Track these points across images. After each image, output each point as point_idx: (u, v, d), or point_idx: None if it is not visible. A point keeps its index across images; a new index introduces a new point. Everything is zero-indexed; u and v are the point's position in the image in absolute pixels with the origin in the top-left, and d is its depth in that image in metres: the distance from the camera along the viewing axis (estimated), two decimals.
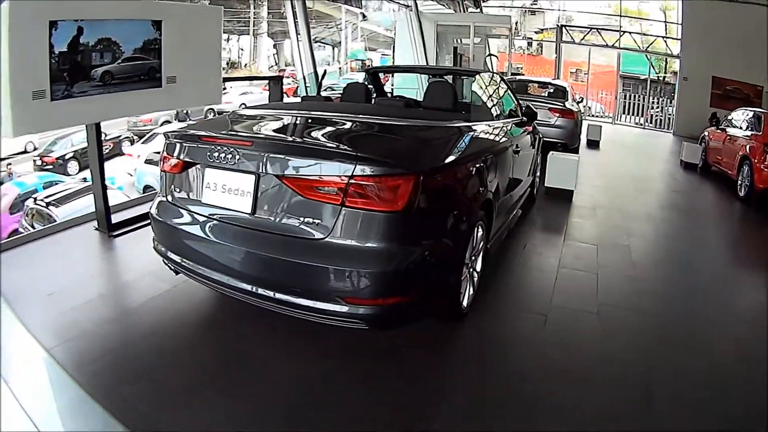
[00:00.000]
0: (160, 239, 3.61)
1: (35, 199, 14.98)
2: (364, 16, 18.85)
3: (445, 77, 6.82)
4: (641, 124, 23.11)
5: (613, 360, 3.63)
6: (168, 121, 21.74)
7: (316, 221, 2.89)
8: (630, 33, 23.34)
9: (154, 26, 5.06)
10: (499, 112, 5.17)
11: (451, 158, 3.40)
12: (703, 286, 5.30)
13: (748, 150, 9.88)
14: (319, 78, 6.80)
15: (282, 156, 3.00)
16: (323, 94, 6.64)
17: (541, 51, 32.91)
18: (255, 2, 34.49)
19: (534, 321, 4.06)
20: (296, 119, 3.85)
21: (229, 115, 4.11)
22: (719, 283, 5.48)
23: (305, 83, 9.37)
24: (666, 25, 23.32)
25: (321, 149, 3.04)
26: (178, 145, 3.44)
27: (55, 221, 11.14)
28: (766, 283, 5.49)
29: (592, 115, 22.19)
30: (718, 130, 11.88)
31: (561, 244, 6.03)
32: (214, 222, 3.23)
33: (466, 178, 3.59)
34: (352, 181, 2.80)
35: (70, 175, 19.75)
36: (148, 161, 16.37)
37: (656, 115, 23.34)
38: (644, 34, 23.20)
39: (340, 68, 33.99)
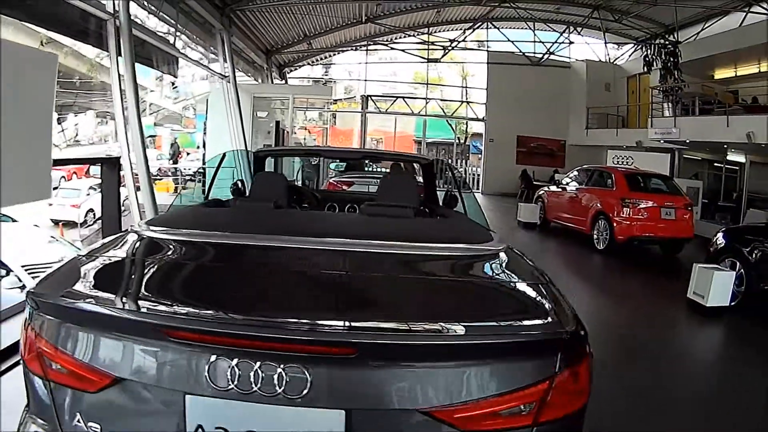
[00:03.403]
0: None
1: None
2: (173, 85, 16.85)
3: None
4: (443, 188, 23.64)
5: None
6: None
7: None
8: (436, 100, 24.07)
9: None
10: None
11: None
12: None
13: (601, 206, 10.17)
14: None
15: (427, 365, 1.52)
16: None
17: (335, 122, 32.97)
18: None
19: None
20: (320, 261, 2.21)
21: (144, 246, 2.27)
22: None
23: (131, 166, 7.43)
24: (466, 91, 24.52)
25: (511, 341, 1.59)
26: (85, 335, 1.62)
27: None
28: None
29: None
30: (558, 189, 12.26)
31: None
32: None
33: None
34: (558, 380, 1.56)
35: None
36: None
37: (460, 177, 24.27)
38: (445, 100, 24.11)
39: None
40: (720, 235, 7.77)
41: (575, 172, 12.14)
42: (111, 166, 5.60)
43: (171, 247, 2.25)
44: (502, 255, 2.28)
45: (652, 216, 9.75)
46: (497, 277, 2.21)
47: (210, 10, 11.83)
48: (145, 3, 9.56)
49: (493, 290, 2.08)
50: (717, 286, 6.49)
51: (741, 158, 17.27)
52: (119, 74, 7.47)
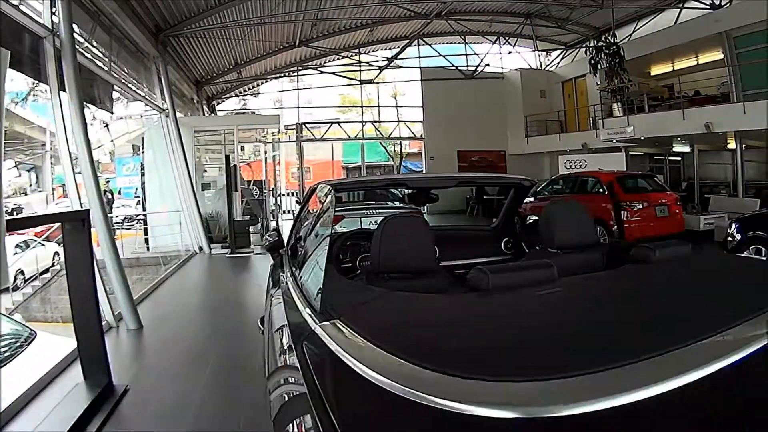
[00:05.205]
0: None
1: None
2: (106, 124, 15.13)
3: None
4: None
5: None
6: None
7: None
8: (373, 123, 23.18)
9: None
10: None
11: None
12: None
13: (595, 213, 9.80)
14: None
15: None
16: None
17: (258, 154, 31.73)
18: None
19: None
20: None
21: None
22: None
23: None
24: (397, 110, 23.84)
25: None
26: None
27: None
28: None
29: None
30: (537, 201, 11.74)
31: None
32: None
33: None
34: None
35: None
36: None
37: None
38: (381, 121, 23.28)
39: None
40: (734, 226, 7.89)
41: (551, 184, 11.77)
42: (77, 222, 4.02)
43: None
44: None
45: (649, 216, 9.58)
46: None
47: (147, 35, 10.63)
48: (76, 27, 8.08)
49: None
50: None
51: (685, 149, 17.66)
52: (62, 109, 6.01)
